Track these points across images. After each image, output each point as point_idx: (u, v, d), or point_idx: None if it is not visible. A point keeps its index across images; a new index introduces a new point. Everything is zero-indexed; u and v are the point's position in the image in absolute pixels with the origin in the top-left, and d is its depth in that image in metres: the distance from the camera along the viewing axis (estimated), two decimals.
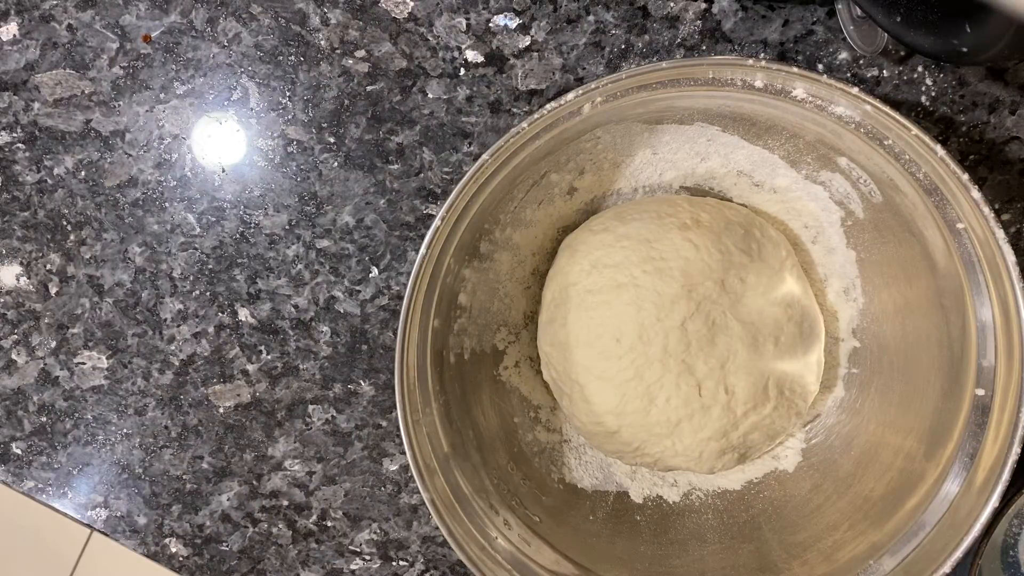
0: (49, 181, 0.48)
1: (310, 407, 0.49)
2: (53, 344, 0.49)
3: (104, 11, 0.46)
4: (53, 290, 0.49)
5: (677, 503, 0.46)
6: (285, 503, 0.50)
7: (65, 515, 0.51)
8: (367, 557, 0.50)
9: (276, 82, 0.46)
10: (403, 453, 0.47)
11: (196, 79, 0.46)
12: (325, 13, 0.45)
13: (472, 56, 0.45)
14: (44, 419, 0.50)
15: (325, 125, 0.46)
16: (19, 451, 0.50)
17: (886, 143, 0.37)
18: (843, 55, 0.44)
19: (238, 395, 0.49)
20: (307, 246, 0.48)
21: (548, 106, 0.36)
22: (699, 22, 0.44)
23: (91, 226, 0.48)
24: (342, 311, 0.48)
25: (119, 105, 0.47)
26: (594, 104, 0.37)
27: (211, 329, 0.48)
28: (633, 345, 0.41)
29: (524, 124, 0.36)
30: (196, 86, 0.46)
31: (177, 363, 0.49)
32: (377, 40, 0.45)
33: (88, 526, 0.50)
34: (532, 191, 0.43)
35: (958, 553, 0.36)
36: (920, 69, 0.44)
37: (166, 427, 0.49)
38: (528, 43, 0.45)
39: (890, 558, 0.38)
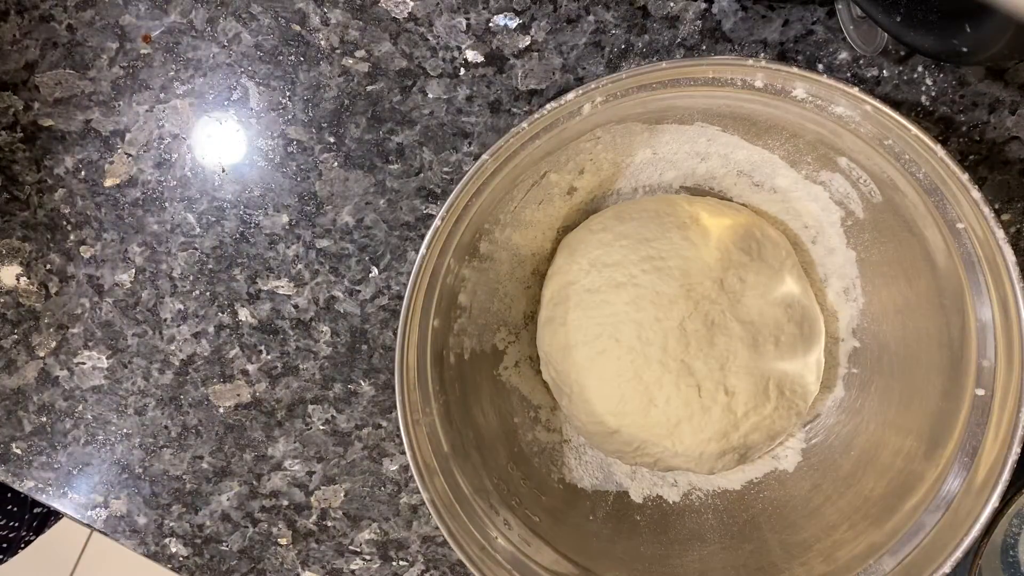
0: (49, 181, 0.48)
1: (310, 407, 0.49)
2: (53, 344, 0.49)
3: (104, 11, 0.46)
4: (53, 290, 0.49)
5: (677, 503, 0.46)
6: (285, 503, 0.50)
7: (65, 515, 0.51)
8: (367, 557, 0.50)
9: (276, 82, 0.46)
10: (403, 453, 0.47)
11: (196, 79, 0.46)
12: (325, 13, 0.45)
13: (472, 56, 0.45)
14: (44, 419, 0.50)
15: (325, 125, 0.46)
16: (19, 451, 0.50)
17: (886, 143, 0.37)
18: (843, 55, 0.44)
19: (238, 395, 0.49)
20: (307, 246, 0.48)
21: (548, 106, 0.36)
22: (699, 22, 0.44)
23: (91, 226, 0.48)
24: (342, 311, 0.48)
25: (119, 105, 0.47)
26: (594, 104, 0.37)
27: (211, 329, 0.48)
28: (632, 345, 0.41)
29: (524, 124, 0.36)
30: (196, 86, 0.46)
31: (177, 363, 0.49)
32: (377, 40, 0.45)
33: (88, 526, 0.50)
34: (532, 191, 0.43)
35: (958, 553, 0.36)
36: (920, 69, 0.44)
37: (166, 427, 0.49)
38: (528, 43, 0.45)
39: (890, 558, 0.38)
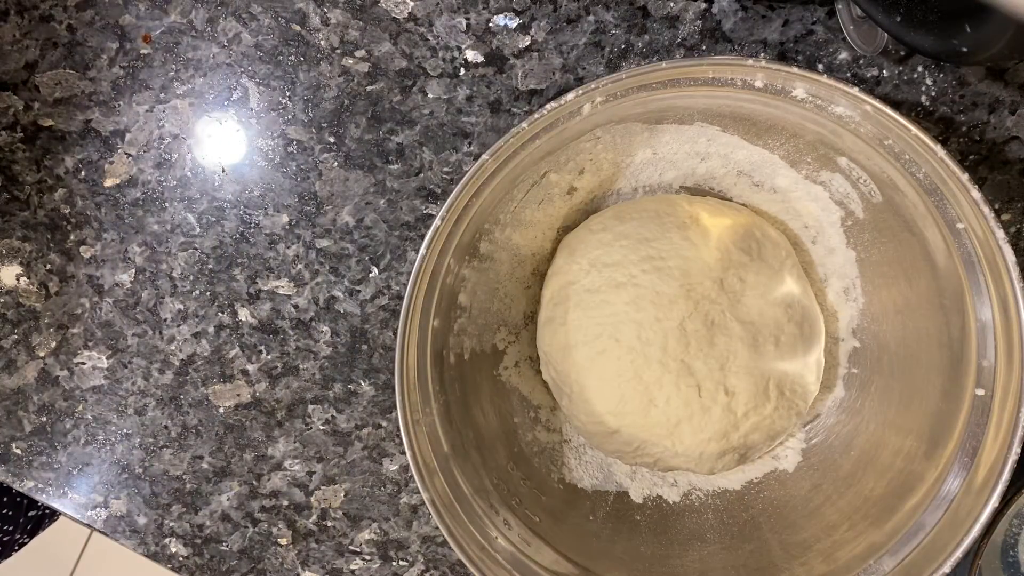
0: (49, 181, 0.48)
1: (310, 407, 0.49)
2: (53, 344, 0.49)
3: (104, 11, 0.46)
4: (53, 290, 0.49)
5: (677, 503, 0.46)
6: (285, 503, 0.50)
7: (65, 515, 0.51)
8: (367, 557, 0.50)
9: (276, 82, 0.46)
10: (403, 453, 0.47)
11: (196, 79, 0.46)
12: (325, 13, 0.45)
13: (472, 56, 0.45)
14: (44, 419, 0.50)
15: (325, 125, 0.46)
16: (19, 451, 0.50)
17: (886, 143, 0.37)
18: (843, 55, 0.44)
19: (238, 395, 0.49)
20: (307, 246, 0.48)
21: (548, 106, 0.36)
22: (699, 22, 0.44)
23: (91, 226, 0.48)
24: (342, 311, 0.48)
25: (119, 105, 0.47)
26: (594, 104, 0.37)
27: (211, 329, 0.48)
28: (632, 345, 0.41)
29: (524, 124, 0.36)
30: (196, 86, 0.46)
31: (177, 363, 0.49)
32: (377, 40, 0.45)
33: (88, 526, 0.50)
34: (532, 191, 0.43)
35: (958, 553, 0.36)
36: (920, 69, 0.44)
37: (166, 427, 0.49)
38: (528, 43, 0.45)
39: (890, 558, 0.38)
